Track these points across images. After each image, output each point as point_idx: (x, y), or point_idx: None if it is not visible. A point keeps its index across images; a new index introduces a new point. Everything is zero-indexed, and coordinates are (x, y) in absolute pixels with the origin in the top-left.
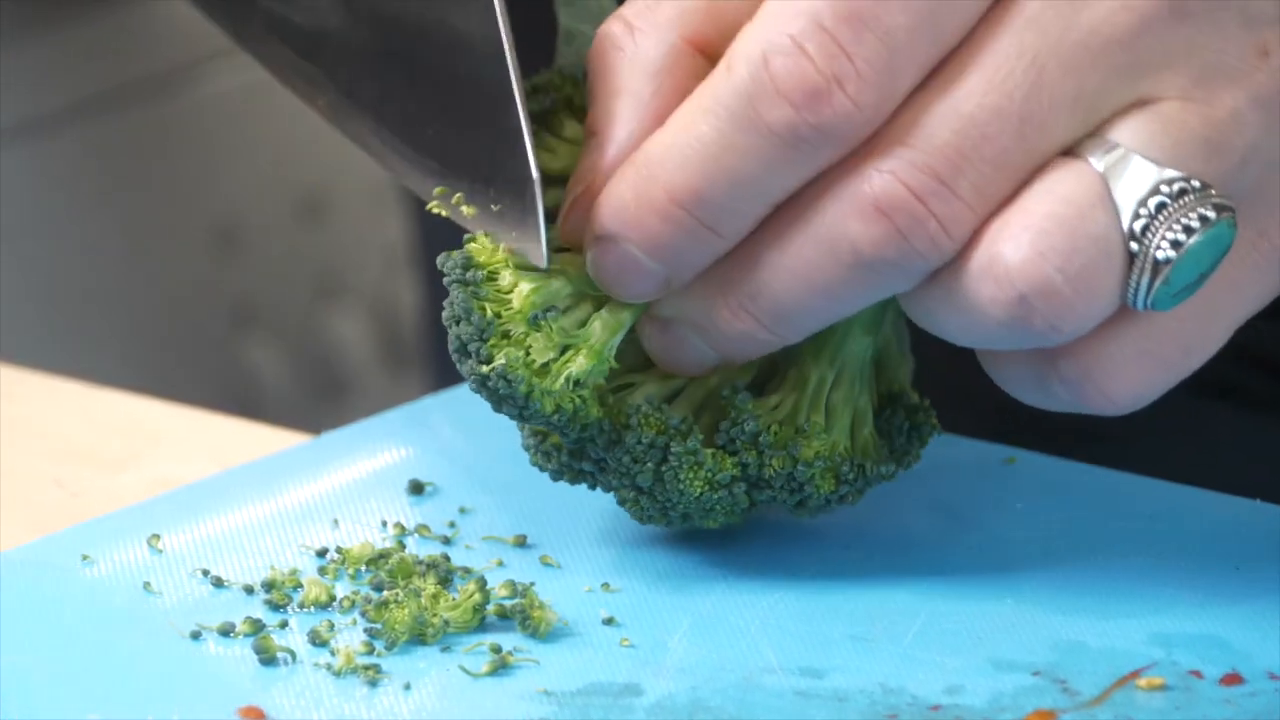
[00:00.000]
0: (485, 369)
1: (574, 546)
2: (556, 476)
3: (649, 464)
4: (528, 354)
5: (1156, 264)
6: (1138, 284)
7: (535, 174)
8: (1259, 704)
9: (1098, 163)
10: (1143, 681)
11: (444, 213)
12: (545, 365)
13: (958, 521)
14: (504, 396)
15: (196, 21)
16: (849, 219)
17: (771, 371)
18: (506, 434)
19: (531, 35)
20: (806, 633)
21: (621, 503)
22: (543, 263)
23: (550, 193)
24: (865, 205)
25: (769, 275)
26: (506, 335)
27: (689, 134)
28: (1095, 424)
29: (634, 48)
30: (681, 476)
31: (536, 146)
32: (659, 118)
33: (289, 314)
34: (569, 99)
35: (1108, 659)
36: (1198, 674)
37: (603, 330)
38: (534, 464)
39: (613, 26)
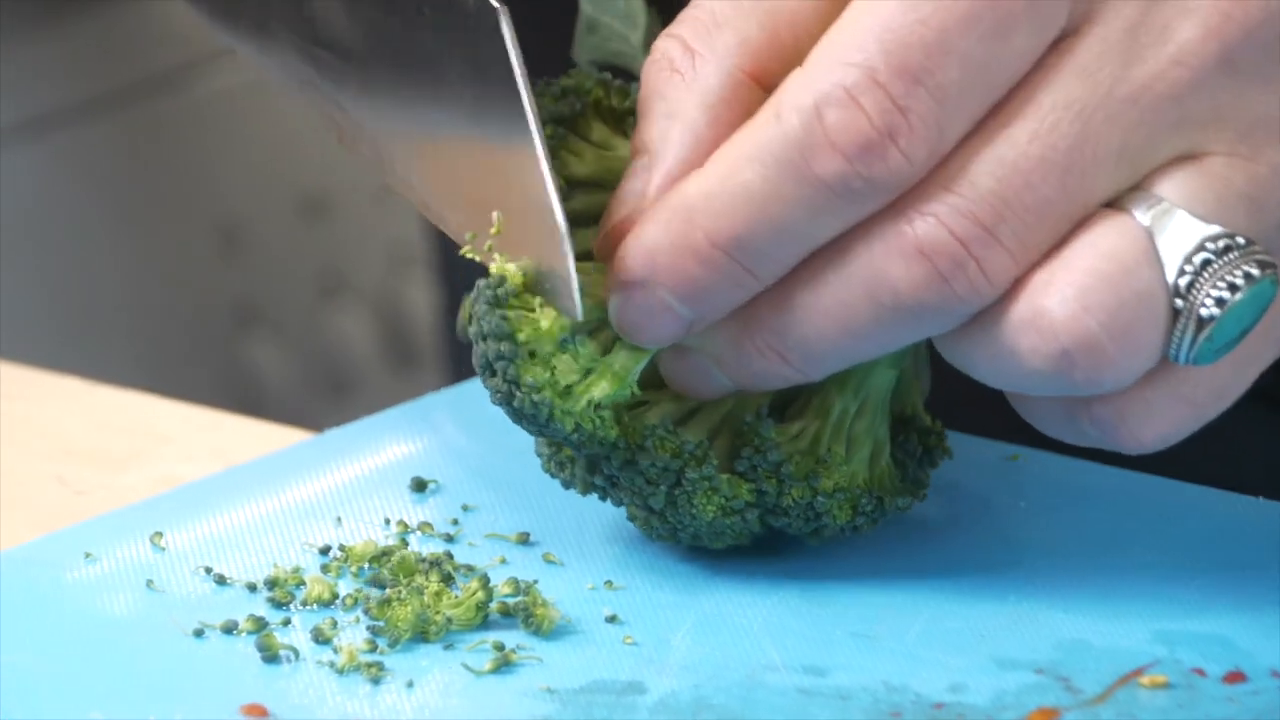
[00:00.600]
0: (512, 389)
1: (577, 544)
2: (568, 486)
3: (662, 487)
4: (553, 374)
5: (1201, 321)
6: (1180, 340)
7: (564, 227)
8: (1262, 702)
9: (1142, 217)
10: (1145, 679)
11: (478, 258)
12: (569, 387)
13: (961, 519)
14: (527, 415)
15: (197, 21)
16: (889, 262)
17: (792, 395)
18: (510, 432)
19: (552, 22)
20: (809, 631)
21: (631, 519)
22: (577, 315)
23: (577, 198)
24: (907, 248)
25: (801, 316)
26: (533, 355)
27: (734, 181)
28: None
29: (693, 73)
30: (695, 501)
31: (564, 151)
32: (712, 150)
33: (292, 312)
34: (598, 101)
35: (1110, 657)
36: (1200, 672)
37: (627, 357)
38: (546, 471)
39: (670, 47)
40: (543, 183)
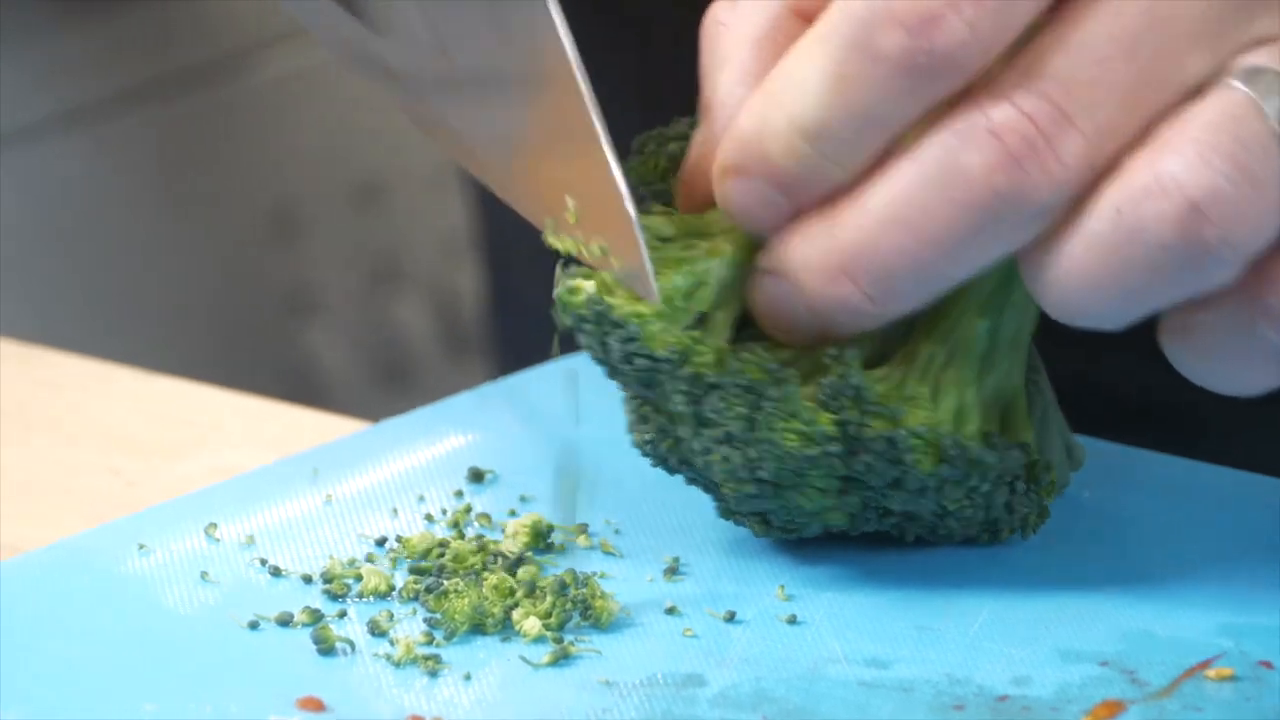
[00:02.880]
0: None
1: (636, 537)
2: (658, 462)
3: (742, 408)
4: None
5: None
6: None
7: (633, 213)
8: None
9: (1238, 85)
10: (1212, 672)
11: (559, 245)
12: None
13: None
14: (626, 355)
15: (255, 5)
16: (962, 150)
17: (883, 355)
18: (567, 422)
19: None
20: (871, 623)
21: (722, 508)
22: (654, 299)
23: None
24: (979, 134)
25: (873, 226)
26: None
27: (806, 64)
28: (1164, 410)
29: (736, 20)
30: (775, 426)
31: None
32: (762, 79)
33: (347, 300)
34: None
35: (1176, 649)
36: (1268, 665)
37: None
38: (638, 447)
39: (717, 7)
40: (607, 168)
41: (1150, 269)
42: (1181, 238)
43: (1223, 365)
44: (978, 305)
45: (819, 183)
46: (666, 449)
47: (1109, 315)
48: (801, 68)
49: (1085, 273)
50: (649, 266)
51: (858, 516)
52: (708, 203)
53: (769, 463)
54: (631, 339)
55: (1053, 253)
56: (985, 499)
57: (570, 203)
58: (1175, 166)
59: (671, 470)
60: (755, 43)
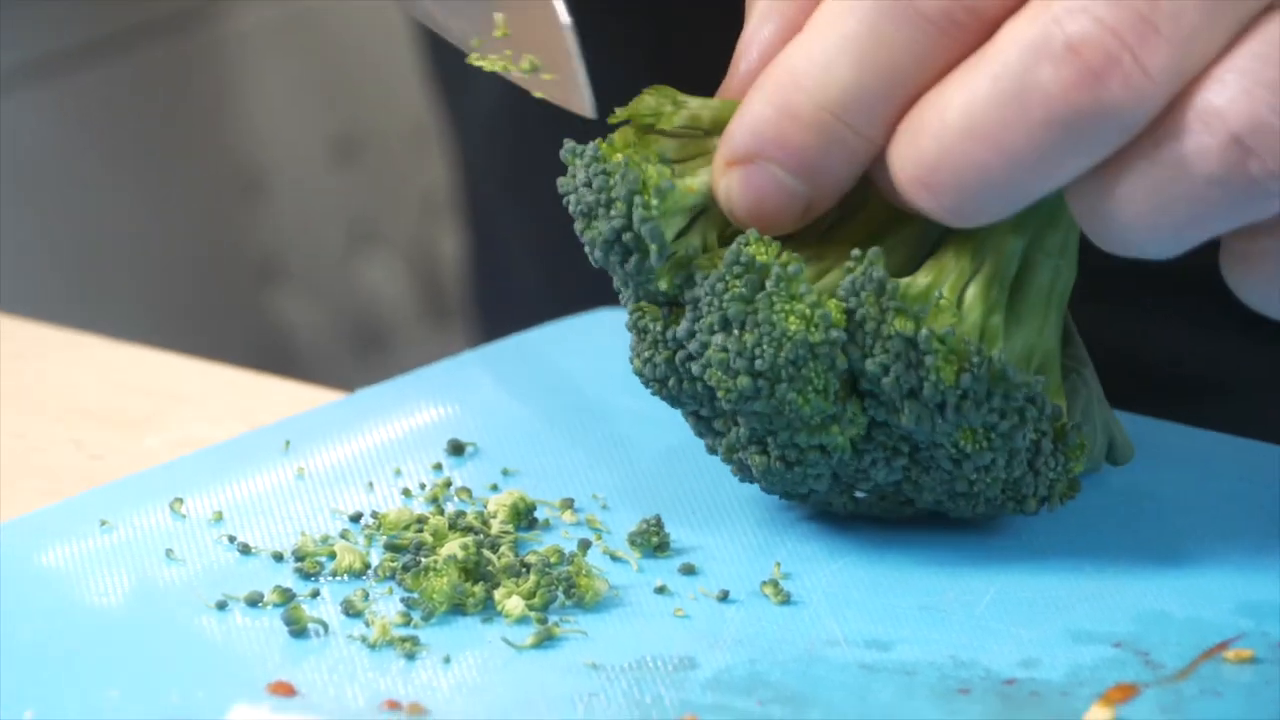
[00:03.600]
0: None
1: (624, 511)
2: (649, 380)
3: (741, 288)
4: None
5: None
6: None
7: (566, 19)
8: None
9: None
10: (1231, 654)
11: (484, 65)
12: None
13: None
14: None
15: None
16: (1038, 66)
17: (911, 269)
18: (553, 392)
19: None
20: (872, 602)
21: (707, 408)
22: (588, 112)
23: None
24: (1056, 48)
25: (954, 139)
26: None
27: (835, 33)
28: (1181, 379)
29: None
30: (776, 307)
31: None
32: (797, 17)
33: (320, 264)
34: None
35: (1193, 629)
36: None
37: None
38: (639, 374)
39: None
40: None
41: (1196, 202)
42: (1225, 171)
43: None
44: (1010, 222)
45: (847, 160)
46: (664, 362)
47: (1157, 247)
48: (830, 37)
49: (1132, 206)
50: (582, 76)
51: (865, 454)
52: None
53: (766, 348)
54: (663, 192)
55: (1100, 183)
56: (1005, 441)
57: (498, 17)
58: (1218, 99)
59: (673, 398)
60: None
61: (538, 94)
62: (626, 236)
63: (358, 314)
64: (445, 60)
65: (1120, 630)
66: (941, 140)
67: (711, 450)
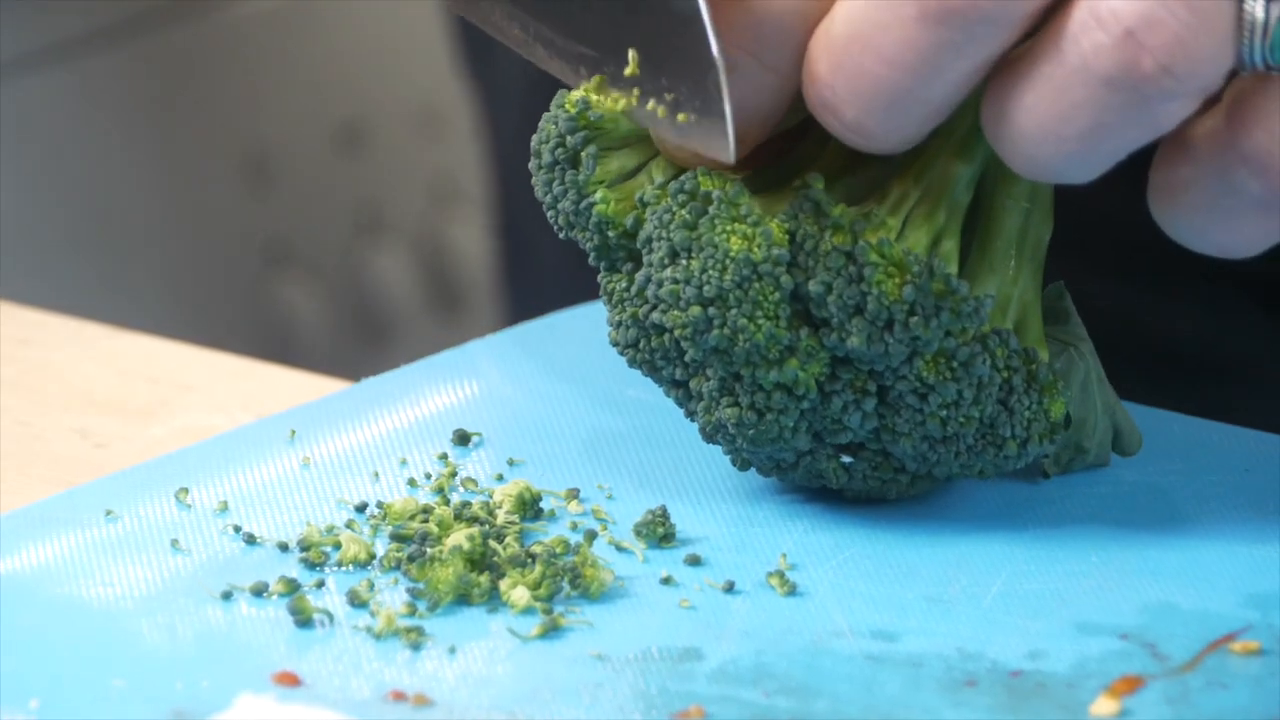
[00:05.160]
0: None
1: (630, 501)
2: (625, 346)
3: (685, 214)
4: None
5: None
6: (1250, 42)
7: (718, 56)
8: None
9: None
10: (1237, 646)
11: (597, 103)
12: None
13: (1040, 476)
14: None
15: None
16: None
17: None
18: (559, 381)
19: None
20: (878, 593)
21: (683, 373)
22: (729, 158)
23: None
24: None
25: (839, 52)
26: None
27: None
28: (1185, 369)
29: None
30: (718, 228)
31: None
32: None
33: (326, 252)
34: None
35: (1200, 621)
36: None
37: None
38: (615, 342)
39: None
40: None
41: (1097, 108)
42: (1121, 70)
43: (1210, 223)
44: (954, 146)
45: (752, 94)
46: (631, 321)
47: (1071, 165)
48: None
49: (1037, 119)
50: (729, 117)
51: (834, 397)
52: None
53: (712, 272)
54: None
55: (1002, 91)
56: (966, 370)
57: (632, 55)
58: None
59: (649, 363)
60: None
61: (668, 137)
62: (559, 152)
63: (364, 302)
64: (476, 45)
65: (1127, 622)
66: (830, 54)
67: (690, 415)
